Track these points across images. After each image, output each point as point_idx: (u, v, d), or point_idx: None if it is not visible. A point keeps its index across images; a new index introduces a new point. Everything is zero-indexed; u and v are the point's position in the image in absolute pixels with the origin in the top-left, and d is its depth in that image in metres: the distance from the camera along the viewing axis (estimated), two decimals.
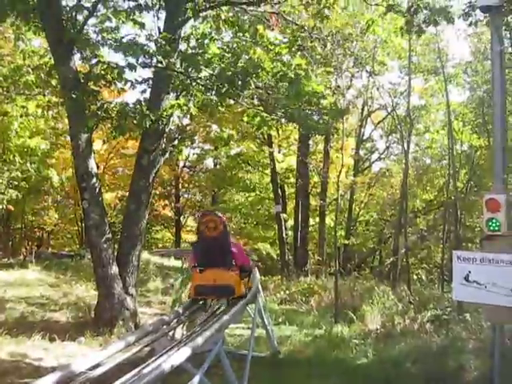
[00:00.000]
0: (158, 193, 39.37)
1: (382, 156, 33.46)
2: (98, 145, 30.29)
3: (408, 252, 19.07)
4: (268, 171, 31.27)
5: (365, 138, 32.27)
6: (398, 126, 20.96)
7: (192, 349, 5.91)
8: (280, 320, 14.93)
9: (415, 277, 20.54)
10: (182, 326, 8.59)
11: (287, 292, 20.08)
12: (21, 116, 23.24)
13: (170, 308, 14.62)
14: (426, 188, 28.86)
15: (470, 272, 6.46)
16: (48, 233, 39.45)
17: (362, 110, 30.24)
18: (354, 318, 13.96)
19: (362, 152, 32.36)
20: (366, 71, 22.43)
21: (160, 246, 43.05)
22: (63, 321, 12.10)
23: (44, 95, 15.92)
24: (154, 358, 6.10)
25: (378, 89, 23.06)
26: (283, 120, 12.69)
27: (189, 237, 43.29)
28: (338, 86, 19.16)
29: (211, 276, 9.13)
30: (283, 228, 28.24)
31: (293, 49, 12.77)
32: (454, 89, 23.82)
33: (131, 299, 12.21)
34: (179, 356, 5.62)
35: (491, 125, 14.58)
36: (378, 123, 31.24)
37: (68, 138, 23.23)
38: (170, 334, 7.94)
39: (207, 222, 9.30)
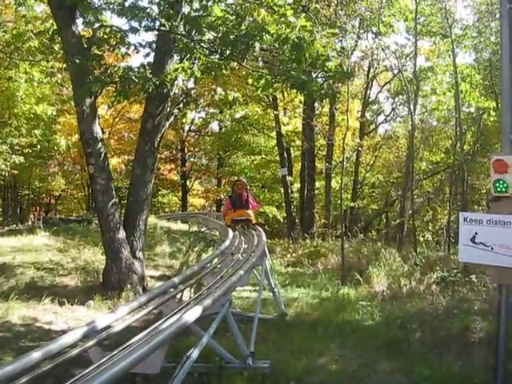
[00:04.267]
0: (163, 157, 39.39)
1: (388, 118, 33.26)
2: (102, 110, 30.32)
3: (414, 214, 19.08)
4: (273, 134, 31.19)
5: (371, 100, 32.04)
6: (405, 87, 20.78)
7: (200, 310, 5.95)
8: (287, 282, 15.06)
9: (421, 239, 20.56)
10: (189, 288, 8.66)
11: (294, 255, 20.22)
12: (26, 82, 23.17)
13: (178, 271, 14.73)
14: (432, 150, 28.72)
15: (476, 233, 6.44)
16: (55, 198, 39.70)
17: (368, 71, 29.97)
18: (361, 280, 14.05)
19: (367, 114, 32.18)
20: (372, 32, 22.18)
21: (167, 210, 43.17)
22: (72, 285, 12.19)
23: (47, 61, 15.84)
24: (161, 321, 6.15)
25: (383, 50, 22.81)
26: (287, 83, 12.56)
27: (196, 201, 43.39)
28: (343, 48, 18.99)
29: (239, 213, 15.77)
30: (289, 191, 28.29)
31: (297, 10, 12.58)
32: (461, 51, 23.50)
33: (139, 263, 12.30)
34: (187, 317, 5.66)
35: (499, 86, 14.43)
36: (384, 85, 30.98)
37: (73, 104, 23.23)
38: (178, 296, 8.00)
39: (237, 184, 16.66)
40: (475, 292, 11.24)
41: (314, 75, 13.55)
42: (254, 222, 16.27)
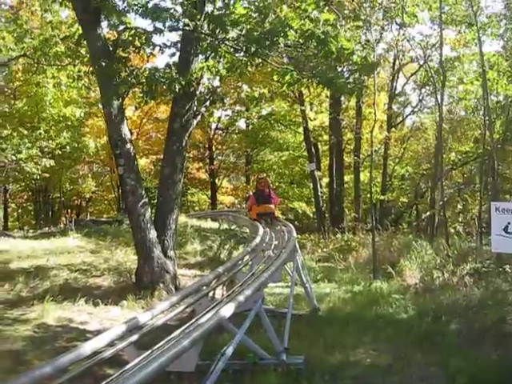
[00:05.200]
0: (191, 156, 39.53)
1: (416, 109, 32.95)
2: (130, 111, 30.53)
3: (445, 205, 18.89)
4: (300, 130, 31.13)
5: (397, 92, 31.78)
6: (431, 78, 20.58)
7: (233, 307, 5.97)
8: (318, 278, 15.03)
9: (453, 230, 20.27)
10: (221, 286, 8.71)
11: (325, 250, 20.19)
12: (53, 87, 23.45)
13: (210, 268, 14.79)
14: (461, 140, 28.41)
15: (509, 223, 6.37)
16: (86, 201, 40.04)
17: (394, 63, 29.72)
18: (393, 273, 13.95)
19: (394, 106, 31.91)
20: (396, 24, 21.95)
21: (196, 208, 43.33)
22: (105, 286, 12.31)
23: (74, 65, 15.96)
24: (195, 319, 6.19)
25: (408, 41, 22.56)
26: (313, 80, 12.50)
27: (225, 198, 43.46)
28: (368, 41, 18.83)
29: (263, 207, 17.53)
30: (318, 186, 28.19)
31: (320, 4, 12.50)
32: (487, 39, 23.14)
33: (170, 262, 12.37)
34: (221, 314, 5.69)
35: None
36: (411, 76, 30.67)
37: (101, 107, 23.43)
38: (210, 294, 8.04)
39: (260, 182, 19.04)
40: (509, 282, 11.08)
41: (340, 69, 13.49)
42: (276, 215, 18.18)
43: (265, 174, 37.30)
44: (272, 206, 17.87)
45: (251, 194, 22.04)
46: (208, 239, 20.18)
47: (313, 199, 31.13)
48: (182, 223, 19.58)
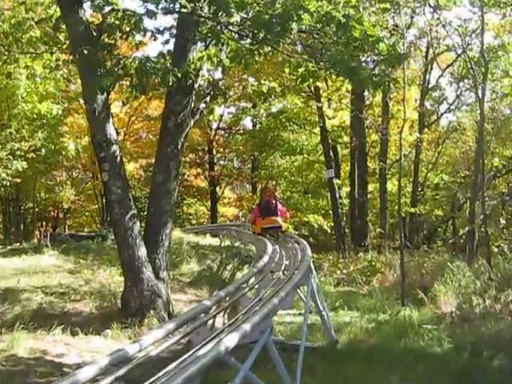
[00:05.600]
0: (188, 160, 39.63)
1: (452, 107, 32.83)
2: (116, 107, 30.62)
3: (487, 220, 18.85)
4: (317, 130, 31.19)
5: (431, 86, 31.74)
6: (471, 70, 20.55)
7: (237, 338, 5.97)
8: (337, 304, 15.01)
9: (496, 249, 20.25)
10: (222, 313, 8.71)
11: (344, 271, 20.17)
12: (27, 78, 23.49)
13: (209, 292, 14.81)
14: (505, 143, 28.35)
15: None
16: (64, 212, 40.15)
17: (427, 52, 29.70)
18: (425, 299, 13.94)
19: (427, 103, 31.87)
20: (430, 6, 21.99)
21: (194, 222, 43.37)
22: (86, 312, 12.35)
23: (52, 53, 15.99)
24: (191, 351, 6.20)
25: (444, 27, 22.56)
26: (332, 71, 12.51)
27: (227, 210, 43.49)
28: (396, 26, 18.88)
29: (269, 220, 17.86)
30: (337, 196, 28.19)
31: None
32: None
33: (163, 285, 12.40)
34: (221, 346, 5.70)
35: None
36: (447, 68, 30.63)
37: (82, 102, 23.52)
38: (210, 322, 8.04)
39: (265, 191, 21.13)
40: None
41: (363, 60, 13.50)
42: (283, 229, 18.58)
43: (274, 182, 37.41)
44: (279, 218, 18.14)
45: (255, 205, 22.76)
46: (207, 258, 20.22)
47: (331, 212, 31.11)
48: (176, 239, 19.61)
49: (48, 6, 16.33)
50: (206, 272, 18.10)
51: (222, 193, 43.87)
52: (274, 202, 18.58)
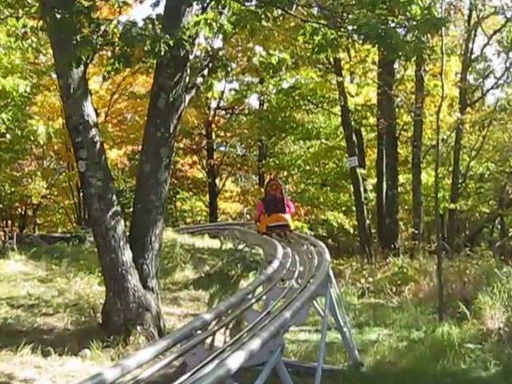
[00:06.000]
0: (182, 147, 39.61)
1: (500, 81, 32.77)
2: (96, 83, 30.61)
3: None
4: (337, 110, 31.16)
5: (474, 56, 31.71)
6: None
7: (241, 359, 5.97)
8: (361, 319, 15.04)
9: None
10: (223, 330, 8.73)
11: (370, 280, 20.19)
12: None
13: (207, 305, 14.82)
14: None
15: None
16: (34, 209, 40.04)
17: (469, 16, 29.67)
18: (467, 313, 13.94)
19: (470, 77, 31.89)
20: None
21: (189, 220, 43.40)
22: (60, 328, 12.35)
23: (17, 18, 16.00)
24: (186, 376, 6.21)
25: None
26: (355, 37, 12.47)
27: (229, 206, 43.48)
28: None
29: (275, 218, 18.77)
30: (361, 190, 28.19)
31: None
32: None
33: (152, 295, 12.39)
34: (222, 370, 5.70)
35: None
36: (493, 35, 30.62)
37: (54, 77, 23.51)
38: (208, 341, 8.05)
39: (271, 184, 20.21)
40: None
41: (393, 25, 13.45)
42: (292, 228, 19.62)
43: (286, 173, 37.33)
44: (287, 215, 18.87)
45: (259, 200, 23.28)
46: (205, 263, 20.28)
47: (353, 208, 31.11)
48: (168, 241, 19.68)
49: None
50: (204, 280, 18.11)
51: (223, 185, 43.86)
52: (281, 196, 19.16)
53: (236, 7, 12.66)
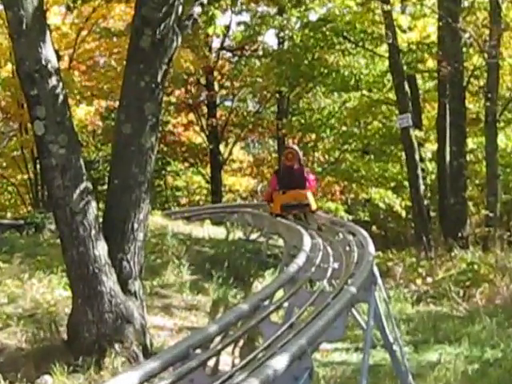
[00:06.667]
0: (175, 101, 39.59)
1: None
2: (56, 16, 30.64)
3: None
4: (383, 50, 31.07)
5: None
6: None
7: None
8: (418, 333, 15.05)
9: None
10: (231, 348, 8.76)
11: (429, 280, 20.23)
12: None
13: (209, 315, 14.89)
14: None
15: None
16: None
17: None
18: None
19: None
20: None
21: (184, 201, 43.48)
22: (11, 347, 12.39)
23: None
24: None
25: None
26: None
27: (237, 181, 43.48)
28: None
29: (292, 195, 19.19)
30: (417, 159, 28.10)
31: None
32: None
33: (135, 302, 12.40)
34: None
35: None
36: None
37: (1, 9, 23.58)
38: (211, 363, 8.08)
39: (286, 154, 20.50)
40: None
41: None
42: (313, 208, 20.05)
43: (314, 136, 37.28)
44: (307, 192, 19.27)
45: (272, 174, 24.08)
46: (206, 259, 20.28)
47: (406, 184, 31.08)
48: (156, 229, 19.73)
49: None
50: (205, 282, 18.14)
51: (230, 154, 43.70)
52: (299, 167, 19.48)
53: None
